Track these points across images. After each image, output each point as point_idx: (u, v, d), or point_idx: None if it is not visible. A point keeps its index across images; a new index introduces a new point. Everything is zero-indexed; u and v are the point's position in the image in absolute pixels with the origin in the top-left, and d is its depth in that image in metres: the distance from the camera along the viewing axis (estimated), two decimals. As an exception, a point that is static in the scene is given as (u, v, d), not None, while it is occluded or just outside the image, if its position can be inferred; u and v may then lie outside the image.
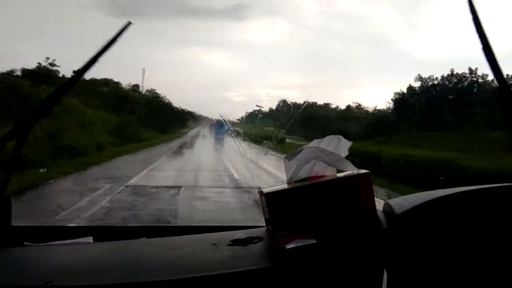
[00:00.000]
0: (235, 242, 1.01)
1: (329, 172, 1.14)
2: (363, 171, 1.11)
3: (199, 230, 1.23)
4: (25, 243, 1.15)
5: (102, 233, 1.29)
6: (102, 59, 1.08)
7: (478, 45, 1.00)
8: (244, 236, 1.05)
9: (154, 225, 1.35)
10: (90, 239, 1.24)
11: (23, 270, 0.91)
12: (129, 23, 1.08)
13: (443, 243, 1.01)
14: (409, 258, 1.00)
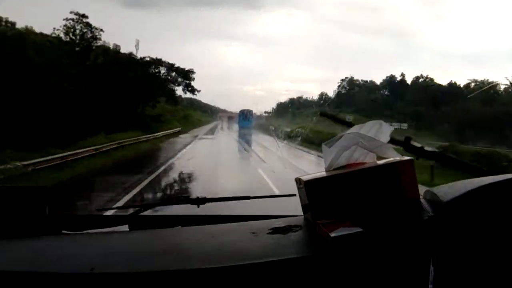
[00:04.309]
0: (275, 231, 0.99)
1: (369, 159, 1.10)
2: (405, 158, 1.05)
3: (232, 219, 1.22)
4: (63, 231, 1.17)
5: (137, 221, 1.30)
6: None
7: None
8: (283, 225, 1.02)
9: (187, 214, 1.35)
10: (125, 228, 1.25)
11: (66, 257, 0.92)
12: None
13: (496, 234, 0.94)
14: (459, 251, 0.94)
